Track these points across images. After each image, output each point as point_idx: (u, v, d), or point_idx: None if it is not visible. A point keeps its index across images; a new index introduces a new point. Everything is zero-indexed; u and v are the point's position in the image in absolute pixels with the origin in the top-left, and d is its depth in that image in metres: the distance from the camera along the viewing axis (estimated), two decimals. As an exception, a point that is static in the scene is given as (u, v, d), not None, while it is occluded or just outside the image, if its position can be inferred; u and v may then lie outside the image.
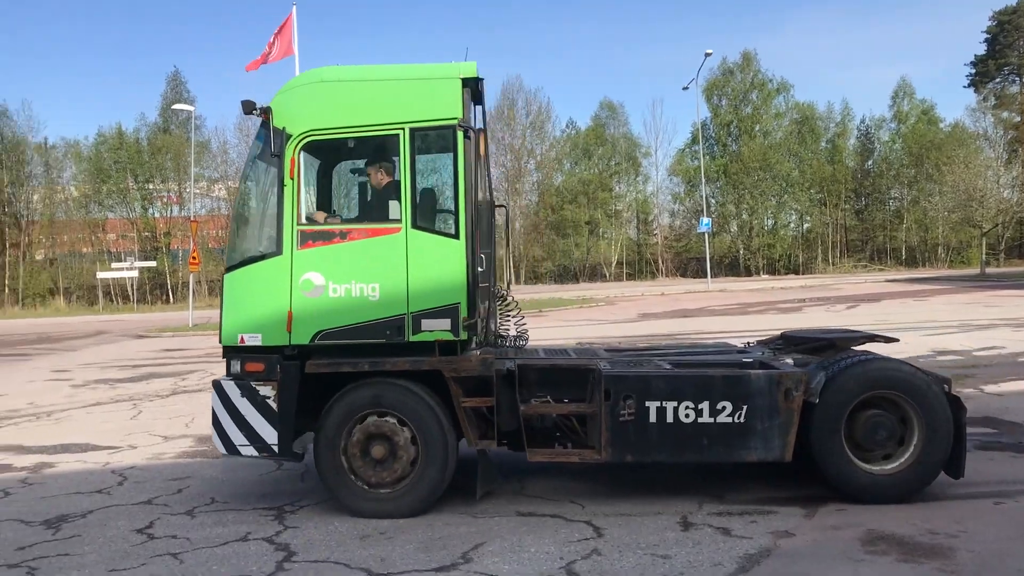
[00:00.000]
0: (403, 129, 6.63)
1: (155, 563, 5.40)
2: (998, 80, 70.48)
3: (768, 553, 5.16)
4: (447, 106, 6.61)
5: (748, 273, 67.50)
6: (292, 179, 6.63)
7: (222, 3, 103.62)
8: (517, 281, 68.28)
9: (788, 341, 7.42)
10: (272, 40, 28.09)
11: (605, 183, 71.87)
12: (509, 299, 7.91)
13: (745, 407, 6.22)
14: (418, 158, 6.77)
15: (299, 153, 6.69)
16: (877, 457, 6.30)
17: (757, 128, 70.80)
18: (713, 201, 68.42)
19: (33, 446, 9.62)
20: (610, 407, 6.24)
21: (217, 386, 6.70)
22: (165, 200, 69.78)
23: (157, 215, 70.59)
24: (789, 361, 6.64)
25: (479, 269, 6.97)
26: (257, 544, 5.70)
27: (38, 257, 68.70)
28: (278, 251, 6.62)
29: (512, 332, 7.91)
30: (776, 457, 6.22)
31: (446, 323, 6.48)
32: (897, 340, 7.25)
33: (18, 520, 6.56)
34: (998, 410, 9.23)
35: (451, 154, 6.64)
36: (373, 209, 7.10)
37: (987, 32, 69.40)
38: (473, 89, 6.86)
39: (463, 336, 6.50)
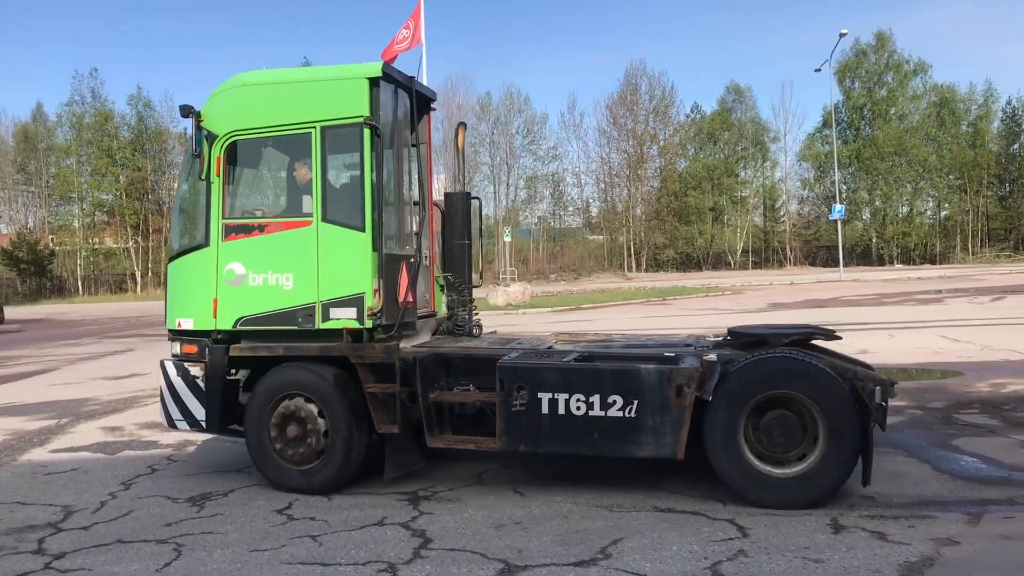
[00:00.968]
0: (315, 128, 7.01)
1: (295, 544, 5.44)
2: None
3: (931, 562, 4.79)
4: (354, 105, 6.92)
5: (881, 262, 64.82)
6: (218, 176, 7.18)
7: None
8: (638, 268, 67.63)
9: (732, 336, 7.12)
10: (404, 29, 28.50)
11: (731, 168, 70.31)
12: (463, 289, 8.13)
13: (636, 402, 6.16)
14: (335, 155, 7.23)
15: (224, 152, 7.21)
16: (783, 459, 6.05)
17: (892, 111, 67.81)
18: (844, 187, 65.93)
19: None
20: (504, 397, 6.38)
21: (162, 365, 7.46)
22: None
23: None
24: (714, 357, 6.34)
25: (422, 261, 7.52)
26: (393, 529, 5.68)
27: (178, 243, 71.67)
28: (206, 243, 7.23)
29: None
30: (667, 454, 6.13)
31: (352, 312, 6.87)
32: (840, 337, 6.89)
33: (165, 496, 6.76)
34: None
35: (361, 150, 6.90)
36: (290, 204, 7.65)
37: None
38: (405, 88, 7.39)
39: (368, 324, 6.83)
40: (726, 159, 70.62)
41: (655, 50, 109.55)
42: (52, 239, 67.52)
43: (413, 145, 7.91)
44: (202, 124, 7.21)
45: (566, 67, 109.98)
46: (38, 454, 8.58)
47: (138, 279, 66.64)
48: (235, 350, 7.15)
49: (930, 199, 69.13)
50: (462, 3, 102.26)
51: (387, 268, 6.95)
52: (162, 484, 7.18)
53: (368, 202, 6.91)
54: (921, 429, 8.27)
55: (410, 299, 7.13)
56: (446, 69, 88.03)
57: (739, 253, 70.24)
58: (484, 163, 72.58)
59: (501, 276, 56.62)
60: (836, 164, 54.92)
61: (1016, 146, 68.74)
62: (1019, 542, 5.13)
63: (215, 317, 7.17)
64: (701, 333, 8.33)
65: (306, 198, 7.19)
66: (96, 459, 8.25)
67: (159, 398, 7.50)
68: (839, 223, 48.30)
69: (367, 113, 6.89)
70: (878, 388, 6.04)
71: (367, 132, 6.87)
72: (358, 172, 6.98)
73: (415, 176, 7.92)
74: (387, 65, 7.21)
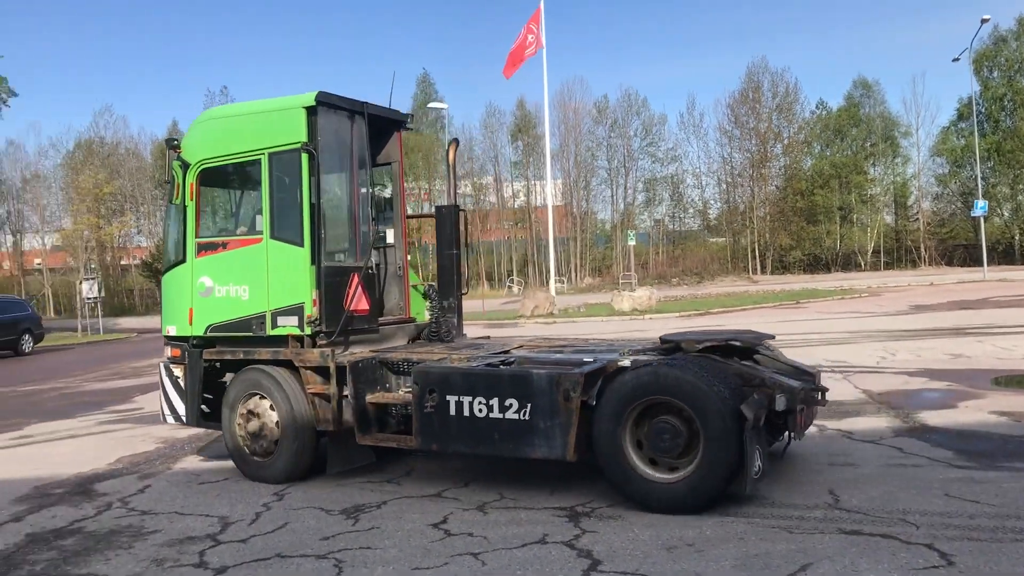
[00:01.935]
0: (264, 154, 7.79)
1: (457, 563, 5.21)
2: None
3: None
4: (294, 132, 7.63)
5: (1025, 261, 61.08)
6: (192, 200, 8.16)
7: (467, 4, 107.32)
8: (762, 271, 65.78)
9: (661, 342, 7.23)
10: (523, 36, 28.44)
11: (859, 166, 67.55)
12: (449, 296, 8.91)
13: (529, 405, 6.45)
14: (281, 177, 7.81)
15: (196, 178, 8.18)
16: (671, 464, 6.17)
17: (1036, 101, 63.79)
18: (983, 183, 62.44)
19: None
20: (418, 399, 6.87)
21: (159, 367, 8.64)
22: (417, 196, 72.98)
23: (410, 211, 73.91)
24: (627, 363, 6.47)
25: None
26: (558, 549, 5.39)
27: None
28: (184, 259, 8.27)
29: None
30: (559, 456, 6.38)
31: (295, 320, 7.62)
32: (738, 343, 7.00)
33: (318, 508, 6.66)
34: None
35: (300, 172, 7.59)
36: (247, 223, 8.46)
37: None
38: (358, 113, 8.11)
39: (308, 332, 7.56)
40: (854, 156, 67.84)
41: (777, 46, 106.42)
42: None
43: (383, 164, 9.08)
44: (180, 155, 8.28)
45: (685, 67, 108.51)
46: (191, 462, 8.69)
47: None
48: (207, 354, 8.16)
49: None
50: (578, 5, 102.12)
51: (328, 280, 7.60)
52: (313, 495, 7.10)
53: (306, 219, 7.58)
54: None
55: (363, 307, 7.90)
56: (562, 73, 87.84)
57: (869, 253, 67.40)
58: (601, 167, 72.09)
59: (622, 281, 56.00)
60: (978, 157, 51.98)
61: None
62: None
63: (191, 324, 8.21)
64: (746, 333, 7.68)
65: (259, 217, 7.98)
66: (247, 468, 8.29)
67: None
68: (981, 220, 45.71)
69: (305, 139, 7.58)
70: (781, 396, 6.17)
71: (304, 156, 7.56)
72: (298, 192, 7.64)
73: (391, 192, 9.12)
74: (325, 94, 7.74)
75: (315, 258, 7.55)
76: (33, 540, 6.17)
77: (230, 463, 8.38)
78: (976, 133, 53.80)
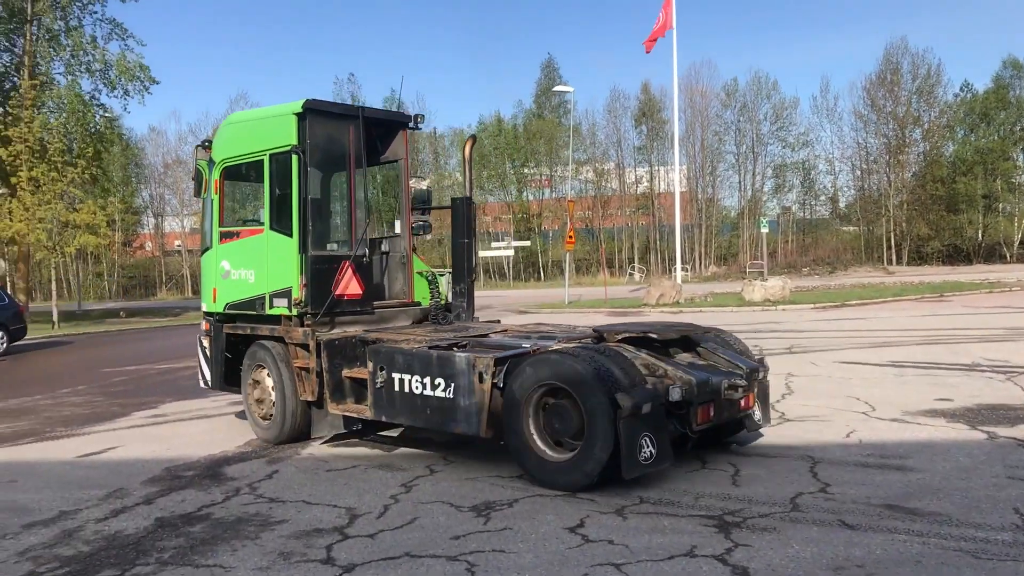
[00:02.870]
0: (266, 155, 8.79)
1: (598, 573, 4.79)
2: None
3: None
4: (287, 135, 8.51)
5: None
6: (216, 194, 9.40)
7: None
8: (899, 262, 62.75)
9: (593, 331, 8.07)
10: (661, 16, 27.85)
11: (1007, 151, 63.47)
12: (461, 281, 9.85)
13: (453, 385, 7.20)
14: (279, 175, 8.70)
15: (220, 175, 9.39)
16: (569, 446, 6.66)
17: None
18: None
19: (447, 421, 9.72)
20: (371, 375, 7.83)
21: (197, 339, 10.13)
22: (538, 183, 72.85)
23: (531, 197, 73.88)
24: (528, 349, 7.30)
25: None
26: (709, 564, 4.89)
27: (428, 238, 74.77)
28: (211, 246, 9.53)
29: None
30: (474, 432, 7.08)
31: (284, 301, 8.62)
32: (655, 337, 7.51)
33: (447, 503, 6.36)
34: None
35: (291, 171, 8.49)
36: (254, 215, 9.55)
37: None
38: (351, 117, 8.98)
39: (294, 312, 8.53)
40: (1002, 141, 63.78)
41: (918, 25, 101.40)
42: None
43: (391, 161, 10.03)
44: (211, 155, 9.46)
45: (818, 48, 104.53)
46: (318, 448, 8.55)
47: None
48: (227, 328, 9.42)
49: None
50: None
51: (315, 267, 8.52)
52: (442, 488, 6.80)
53: (295, 212, 8.48)
54: None
55: (355, 291, 8.86)
56: (689, 55, 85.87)
57: (1016, 244, 63.39)
58: (729, 151, 70.22)
59: (749, 270, 54.32)
60: None
61: None
62: None
63: (215, 302, 9.47)
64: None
65: (262, 211, 8.98)
66: (374, 455, 8.09)
67: None
68: None
69: (295, 142, 8.47)
70: (676, 388, 6.62)
71: (295, 157, 8.45)
72: (289, 189, 8.53)
73: (401, 187, 10.03)
74: (313, 101, 8.58)
75: (303, 247, 8.50)
76: (162, 525, 6.08)
77: (358, 450, 8.24)
78: None
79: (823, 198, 72.37)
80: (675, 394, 6.62)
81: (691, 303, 28.45)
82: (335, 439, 8.77)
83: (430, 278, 9.83)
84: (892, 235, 64.69)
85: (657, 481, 6.72)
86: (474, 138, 10.73)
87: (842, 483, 6.48)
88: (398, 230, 10.07)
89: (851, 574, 4.65)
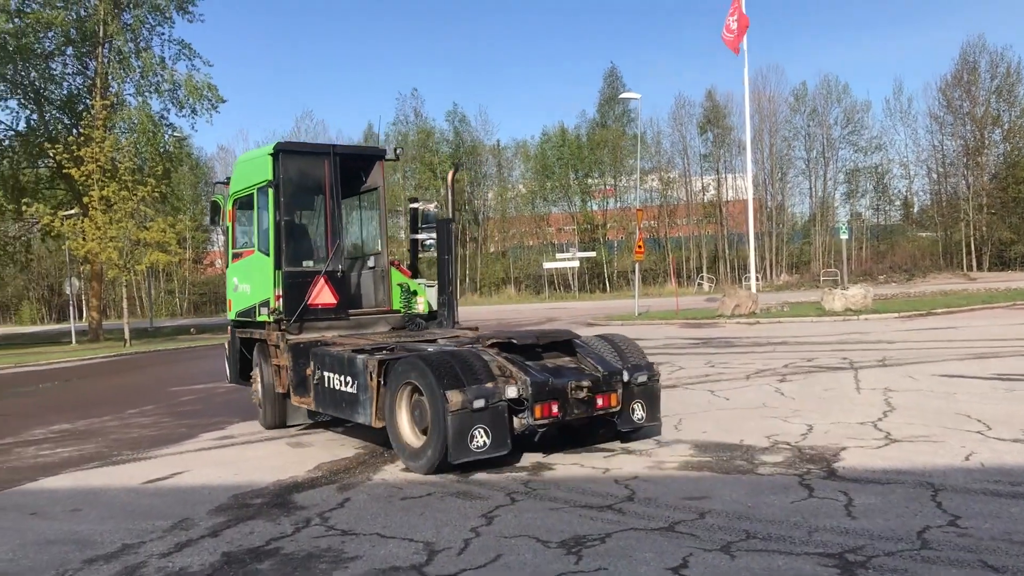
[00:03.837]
0: (255, 189, 10.41)
1: (714, 627, 4.19)
2: None
3: None
4: (265, 172, 10.14)
5: None
6: (230, 222, 11.20)
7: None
8: (980, 268, 60.47)
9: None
10: (733, 16, 27.22)
11: (1093, 150, 60.85)
12: (443, 292, 11.10)
13: (356, 382, 8.58)
14: (262, 206, 10.31)
15: (232, 206, 11.14)
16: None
17: None
18: None
19: (525, 441, 9.17)
20: (311, 372, 9.43)
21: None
22: (603, 193, 72.16)
23: (595, 207, 73.23)
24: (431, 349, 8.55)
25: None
26: (843, 616, 4.26)
27: (491, 250, 74.74)
28: (228, 263, 11.49)
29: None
30: (368, 422, 8.44)
31: (266, 310, 10.23)
32: (515, 341, 8.60)
33: (533, 537, 5.80)
34: None
35: (268, 202, 10.11)
36: (249, 239, 10.89)
37: None
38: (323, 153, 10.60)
39: (271, 319, 10.13)
40: (1088, 140, 61.22)
41: (996, 22, 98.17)
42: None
43: (372, 189, 11.59)
44: (228, 190, 11.20)
45: (891, 49, 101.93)
46: (391, 472, 8.07)
47: (456, 284, 69.90)
48: (237, 332, 11.40)
49: None
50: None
51: (288, 281, 10.03)
52: (526, 519, 6.25)
53: (271, 235, 10.05)
54: None
55: (328, 300, 10.26)
56: (756, 60, 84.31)
57: (1106, 247, 60.64)
58: (799, 157, 68.64)
59: (823, 278, 52.81)
60: None
61: None
62: None
63: (230, 310, 11.42)
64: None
65: (254, 235, 10.62)
66: (449, 482, 7.55)
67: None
68: None
69: (270, 177, 10.06)
70: (512, 387, 7.71)
71: (270, 190, 10.04)
72: (267, 216, 10.16)
73: (371, 215, 12.01)
74: (283, 143, 10.38)
75: (278, 264, 10.05)
76: (229, 561, 5.64)
77: (431, 476, 7.75)
78: None
79: (897, 203, 70.29)
80: (511, 392, 7.71)
81: (767, 313, 27.49)
82: (307, 428, 10.43)
83: (405, 289, 11.16)
84: (972, 240, 62.39)
85: (761, 511, 6.09)
86: (456, 167, 12.95)
87: (973, 515, 5.77)
88: (378, 248, 11.63)
89: (1015, 632, 3.97)
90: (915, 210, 70.56)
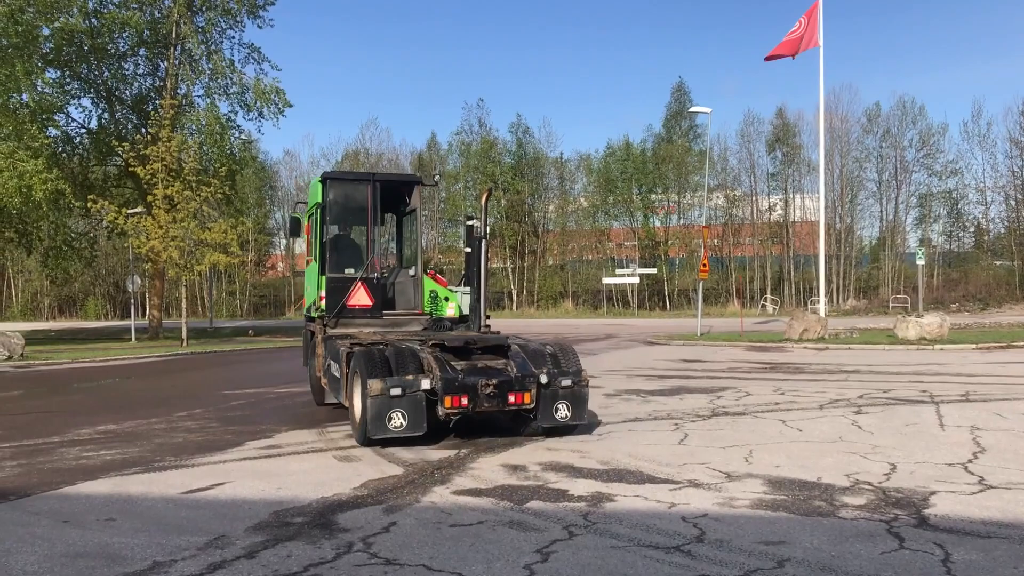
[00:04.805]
0: (314, 208, 12.41)
1: None
2: None
3: None
4: (317, 195, 12.30)
5: None
6: (306, 234, 13.07)
7: (723, 12, 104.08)
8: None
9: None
10: (797, 30, 26.14)
11: None
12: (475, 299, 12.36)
13: (337, 367, 10.76)
14: (316, 222, 12.33)
15: (307, 220, 13.13)
16: None
17: None
18: None
19: (583, 467, 8.61)
20: (323, 358, 12.05)
21: None
22: (666, 209, 71.18)
23: (657, 224, 72.26)
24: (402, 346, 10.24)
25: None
26: None
27: (550, 263, 74.18)
28: (305, 266, 13.64)
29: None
30: (341, 401, 10.89)
31: (315, 308, 12.56)
32: (474, 345, 10.32)
33: (593, 580, 5.25)
34: None
35: (318, 220, 12.32)
36: (311, 250, 12.97)
37: None
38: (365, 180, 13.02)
39: (316, 315, 12.61)
40: None
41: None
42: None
43: (408, 212, 13.84)
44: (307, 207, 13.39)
45: (970, 70, 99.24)
46: (440, 495, 7.56)
47: (514, 296, 69.45)
48: (307, 326, 13.72)
49: None
50: (851, 5, 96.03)
51: (331, 284, 12.02)
52: (586, 558, 5.68)
53: (317, 246, 12.21)
54: None
55: (364, 302, 12.08)
56: (829, 79, 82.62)
57: None
58: (870, 179, 66.86)
59: (892, 305, 51.18)
60: None
61: None
62: None
63: (303, 306, 13.56)
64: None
65: (314, 247, 12.60)
66: (503, 510, 7.02)
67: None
68: None
69: (320, 200, 12.13)
70: (426, 381, 9.43)
71: (319, 210, 12.12)
72: (317, 232, 12.27)
73: (409, 232, 14.34)
74: (329, 172, 12.76)
75: (322, 270, 12.16)
76: (262, 589, 5.19)
77: (483, 501, 7.27)
78: None
79: (971, 229, 68.06)
80: (425, 384, 9.43)
81: (836, 339, 26.50)
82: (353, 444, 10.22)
83: (434, 295, 12.79)
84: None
85: (847, 562, 5.46)
86: (490, 191, 13.94)
87: None
88: (416, 260, 13.29)
89: None
90: (988, 237, 68.25)
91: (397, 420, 9.29)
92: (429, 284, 12.80)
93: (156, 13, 38.44)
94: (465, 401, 9.51)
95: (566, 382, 9.98)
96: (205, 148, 37.14)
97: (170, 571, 5.53)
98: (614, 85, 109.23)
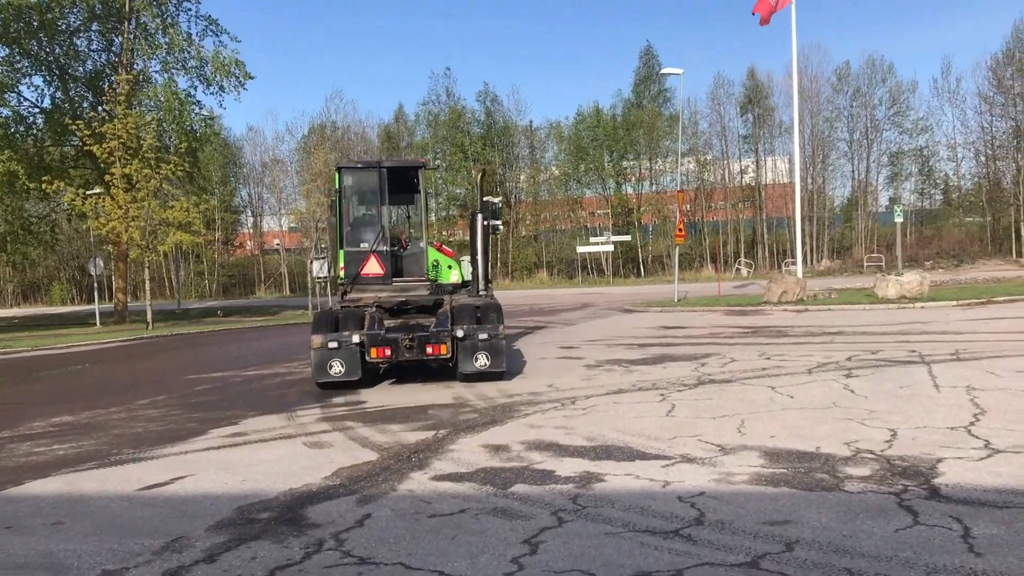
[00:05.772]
0: (338, 193, 14.33)
1: None
2: None
3: None
4: (336, 182, 14.48)
5: None
6: (337, 213, 14.56)
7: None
8: (1028, 254, 58.42)
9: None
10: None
11: None
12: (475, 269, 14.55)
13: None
14: (336, 205, 14.43)
15: (331, 204, 15.88)
16: None
17: None
18: None
19: (569, 445, 8.13)
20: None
21: None
22: (637, 175, 70.66)
23: (630, 190, 71.77)
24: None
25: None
26: None
27: (523, 233, 73.48)
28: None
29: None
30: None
31: (338, 277, 14.41)
32: (409, 304, 13.57)
33: (588, 573, 4.76)
34: None
35: (337, 203, 14.39)
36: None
37: None
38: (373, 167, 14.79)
39: (339, 281, 14.34)
40: None
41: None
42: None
43: (417, 192, 15.91)
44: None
45: (938, 28, 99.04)
46: (418, 481, 7.04)
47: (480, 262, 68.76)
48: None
49: None
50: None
51: (348, 256, 13.97)
52: (577, 547, 5.19)
53: (338, 225, 14.24)
54: None
55: (376, 271, 13.96)
56: (798, 39, 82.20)
57: None
58: (841, 139, 66.65)
59: (866, 264, 51.14)
60: None
61: None
62: None
63: (340, 274, 14.17)
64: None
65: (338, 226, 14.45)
66: (485, 495, 6.52)
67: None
68: None
69: (337, 187, 14.31)
70: (356, 336, 11.97)
71: (337, 194, 14.25)
72: (336, 212, 14.35)
73: (416, 210, 17.00)
74: (346, 162, 16.50)
75: (341, 244, 14.01)
76: (222, 598, 4.66)
77: (464, 487, 6.77)
78: None
79: (942, 187, 68.16)
80: (356, 339, 11.88)
81: (815, 300, 26.18)
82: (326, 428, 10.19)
83: (436, 264, 14.59)
84: (1022, 225, 60.30)
85: (861, 542, 5.01)
86: (484, 171, 18.02)
87: None
88: (421, 234, 15.45)
89: None
90: (959, 194, 68.43)
91: (336, 367, 11.95)
92: (433, 254, 14.69)
93: (108, -14, 37.13)
94: (388, 352, 11.95)
95: (483, 336, 12.13)
96: (164, 125, 36.04)
97: (119, 581, 4.99)
98: (583, 50, 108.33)
